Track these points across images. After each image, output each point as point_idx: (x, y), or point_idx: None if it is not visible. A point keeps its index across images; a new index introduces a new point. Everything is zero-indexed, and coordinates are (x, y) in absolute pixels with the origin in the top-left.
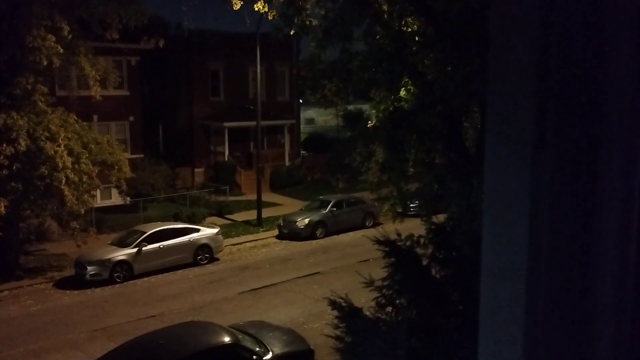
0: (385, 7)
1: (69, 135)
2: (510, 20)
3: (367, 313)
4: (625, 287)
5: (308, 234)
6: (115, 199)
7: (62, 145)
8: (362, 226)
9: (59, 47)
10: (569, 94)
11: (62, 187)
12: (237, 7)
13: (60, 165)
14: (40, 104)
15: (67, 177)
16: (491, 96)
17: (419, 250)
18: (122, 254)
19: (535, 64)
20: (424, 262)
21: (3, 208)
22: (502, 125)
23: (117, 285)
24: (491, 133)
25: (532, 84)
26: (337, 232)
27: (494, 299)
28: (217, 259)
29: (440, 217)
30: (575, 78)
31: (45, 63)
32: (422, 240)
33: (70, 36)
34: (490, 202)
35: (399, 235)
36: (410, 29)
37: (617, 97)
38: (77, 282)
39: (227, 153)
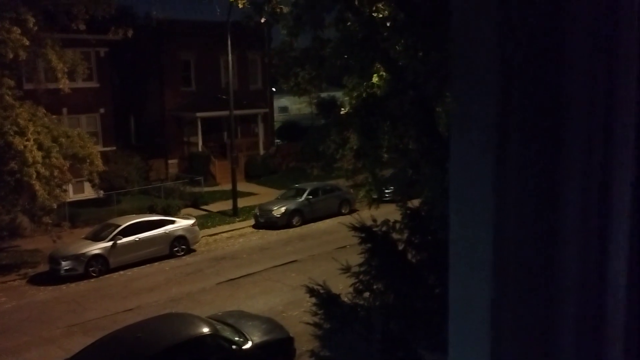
0: None
1: (38, 129)
2: (471, 7)
3: (345, 299)
4: (587, 272)
5: (284, 222)
6: (89, 192)
7: (32, 139)
8: (339, 213)
9: (25, 40)
10: (532, 84)
11: (33, 182)
12: None
13: (30, 159)
14: (7, 97)
15: (37, 172)
16: (455, 89)
17: (394, 236)
18: (97, 247)
19: (497, 53)
20: (400, 247)
21: None
22: (467, 119)
23: (92, 280)
24: (456, 128)
25: (495, 74)
26: (314, 220)
27: (462, 289)
28: (194, 250)
29: (415, 202)
30: (537, 66)
31: (11, 56)
32: (397, 225)
33: (36, 28)
34: (455, 193)
35: (374, 221)
36: (381, 15)
37: (578, 88)
38: (52, 277)
39: (200, 143)
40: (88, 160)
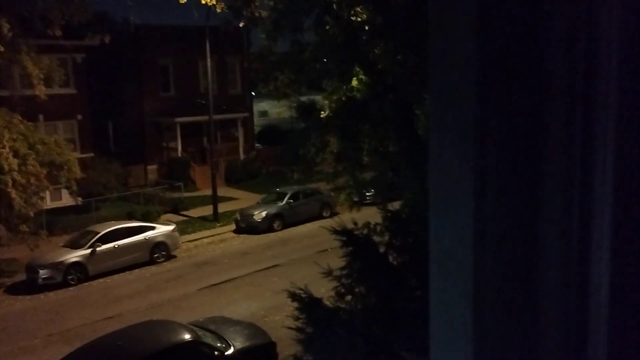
0: None
1: (14, 136)
2: (449, 15)
3: (327, 303)
4: (569, 273)
5: (266, 227)
6: (67, 200)
7: (7, 146)
8: (320, 217)
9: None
10: (510, 85)
11: (9, 190)
12: (183, 0)
13: (6, 167)
14: None
15: (13, 180)
16: (433, 92)
17: (376, 238)
18: (75, 255)
19: (475, 54)
20: (381, 250)
21: None
22: (444, 121)
23: (71, 288)
24: (434, 130)
25: (473, 75)
26: (295, 224)
27: (443, 291)
28: (175, 257)
29: (396, 205)
30: (515, 67)
31: None
32: (378, 228)
33: (11, 34)
34: (435, 195)
35: (355, 224)
36: (359, 19)
37: (557, 90)
38: (30, 287)
39: (180, 149)
40: (65, 167)
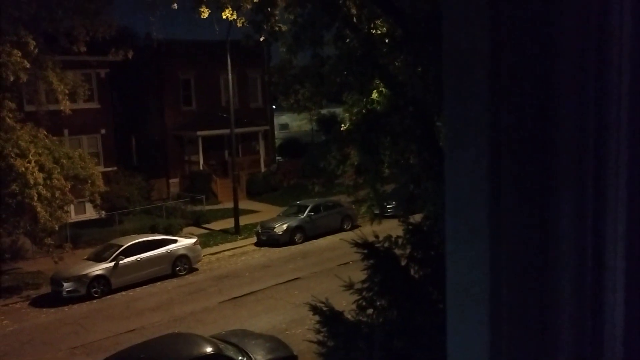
0: (354, 11)
1: (40, 151)
2: (461, 16)
3: (349, 316)
4: (584, 283)
5: (287, 239)
6: (90, 213)
7: (33, 161)
8: (341, 229)
9: (26, 62)
10: (523, 97)
11: (35, 204)
12: (205, 15)
13: (32, 181)
14: (8, 120)
15: (39, 194)
16: (447, 103)
17: (397, 251)
18: (99, 268)
19: (488, 66)
20: (403, 263)
21: None
22: (459, 133)
23: (95, 301)
24: (450, 142)
25: (487, 86)
26: (316, 237)
27: (460, 304)
28: (196, 269)
29: (417, 217)
30: (528, 78)
31: (12, 78)
32: (400, 240)
33: (37, 50)
34: (451, 208)
35: (376, 237)
36: (379, 32)
37: (569, 102)
38: (54, 299)
39: (201, 162)
40: (89, 181)
